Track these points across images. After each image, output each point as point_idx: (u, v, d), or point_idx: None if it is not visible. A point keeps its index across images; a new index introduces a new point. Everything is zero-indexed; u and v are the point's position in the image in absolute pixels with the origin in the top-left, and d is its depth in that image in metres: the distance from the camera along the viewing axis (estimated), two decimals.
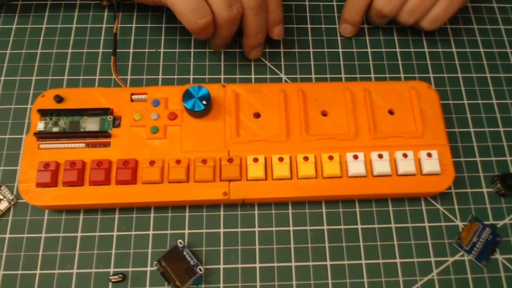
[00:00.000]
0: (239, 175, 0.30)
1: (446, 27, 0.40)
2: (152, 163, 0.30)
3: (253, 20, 0.33)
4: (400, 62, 0.38)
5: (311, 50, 0.38)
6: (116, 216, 0.32)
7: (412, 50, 0.38)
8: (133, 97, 0.33)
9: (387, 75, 0.37)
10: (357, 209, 0.33)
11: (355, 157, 0.31)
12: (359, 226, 0.32)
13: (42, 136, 0.31)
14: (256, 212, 0.32)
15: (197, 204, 0.32)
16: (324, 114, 0.33)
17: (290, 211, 0.32)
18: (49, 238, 0.31)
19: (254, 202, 0.32)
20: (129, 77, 0.36)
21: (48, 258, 0.31)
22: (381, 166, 0.31)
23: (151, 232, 0.32)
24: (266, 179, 0.31)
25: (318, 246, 0.32)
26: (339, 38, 0.39)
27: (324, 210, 0.33)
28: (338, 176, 0.31)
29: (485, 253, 0.32)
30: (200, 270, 0.29)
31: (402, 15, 0.36)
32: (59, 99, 0.32)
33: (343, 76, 0.37)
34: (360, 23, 0.38)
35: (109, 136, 0.31)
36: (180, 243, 0.30)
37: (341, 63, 0.38)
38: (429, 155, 0.31)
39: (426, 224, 0.32)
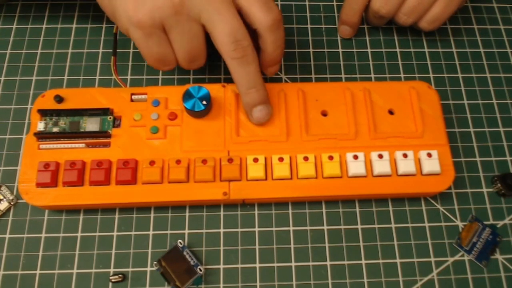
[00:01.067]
0: (239, 175, 0.30)
1: (446, 27, 0.40)
2: (152, 163, 0.30)
3: (238, 73, 0.29)
4: (400, 62, 0.38)
5: (311, 50, 0.38)
6: (116, 216, 0.32)
7: (412, 50, 0.38)
8: (133, 97, 0.33)
9: (387, 75, 0.37)
10: (357, 209, 0.33)
11: (355, 157, 0.31)
12: (359, 226, 0.32)
13: (42, 136, 0.31)
14: (256, 212, 0.32)
15: (197, 204, 0.32)
16: (324, 114, 0.33)
17: (290, 211, 0.32)
18: (49, 238, 0.31)
19: (254, 202, 0.32)
20: (129, 77, 0.36)
21: (48, 258, 0.31)
22: (381, 166, 0.31)
23: (151, 232, 0.32)
24: (266, 179, 0.31)
25: (318, 246, 0.32)
26: (339, 38, 0.39)
27: (324, 210, 0.33)
28: (338, 176, 0.31)
29: (485, 253, 0.32)
30: (200, 270, 0.29)
31: (400, 16, 0.36)
32: (59, 99, 0.32)
33: (343, 76, 0.37)
34: (359, 24, 0.38)
35: (109, 136, 0.31)
36: (180, 243, 0.30)
37: (341, 63, 0.38)
38: (429, 155, 0.31)
39: (426, 224, 0.32)
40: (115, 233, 0.31)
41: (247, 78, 0.30)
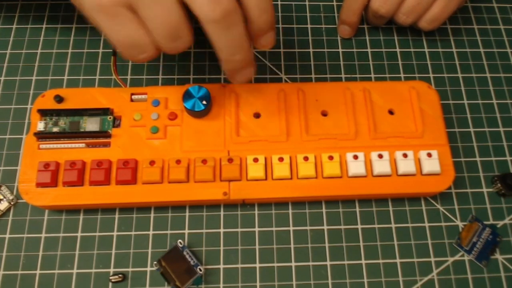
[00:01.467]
0: (239, 175, 0.30)
1: (446, 27, 0.40)
2: (152, 163, 0.30)
3: (219, 39, 0.25)
4: (400, 62, 0.38)
5: (311, 50, 0.38)
6: (116, 216, 0.32)
7: (412, 50, 0.38)
8: (133, 97, 0.33)
9: (387, 75, 0.37)
10: (357, 209, 0.33)
11: (355, 157, 0.31)
12: (359, 226, 0.32)
13: (42, 136, 0.31)
14: (256, 212, 0.32)
15: (197, 204, 0.32)
16: (324, 114, 0.33)
17: (290, 211, 0.32)
18: (49, 238, 0.31)
19: (254, 202, 0.32)
20: (129, 77, 0.36)
21: (48, 258, 0.31)
22: (381, 166, 0.31)
23: (151, 232, 0.32)
24: (266, 179, 0.31)
25: (318, 246, 0.32)
26: (339, 38, 0.39)
27: (324, 210, 0.33)
28: (338, 176, 0.31)
29: (485, 253, 0.32)
30: (200, 270, 0.29)
31: (399, 15, 0.36)
32: (59, 99, 0.32)
33: (343, 76, 0.37)
34: (358, 24, 0.38)
35: (109, 136, 0.31)
36: (180, 243, 0.30)
37: (341, 63, 0.38)
38: (429, 155, 0.31)
39: (426, 224, 0.32)
40: (115, 233, 0.31)
41: (230, 43, 0.26)
